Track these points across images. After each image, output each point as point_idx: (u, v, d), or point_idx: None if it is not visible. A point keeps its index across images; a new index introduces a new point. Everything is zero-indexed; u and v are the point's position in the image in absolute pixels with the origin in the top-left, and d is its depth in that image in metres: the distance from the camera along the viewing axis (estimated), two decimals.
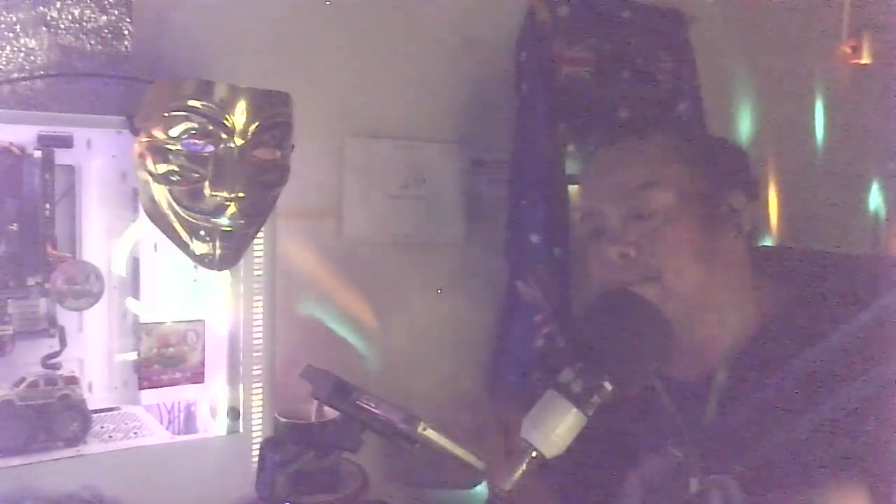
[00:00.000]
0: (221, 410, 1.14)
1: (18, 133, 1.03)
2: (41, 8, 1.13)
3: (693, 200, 1.04)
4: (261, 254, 1.12)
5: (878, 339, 0.91)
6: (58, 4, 1.14)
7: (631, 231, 1.04)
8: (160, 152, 0.98)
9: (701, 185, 1.05)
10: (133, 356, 1.11)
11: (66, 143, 1.05)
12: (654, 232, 1.02)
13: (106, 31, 1.18)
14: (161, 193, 0.99)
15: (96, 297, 1.03)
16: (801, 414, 0.91)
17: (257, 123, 0.99)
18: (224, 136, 0.98)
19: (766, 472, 0.93)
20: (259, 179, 1.01)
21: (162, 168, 0.98)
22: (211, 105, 0.97)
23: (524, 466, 0.81)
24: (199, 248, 1.01)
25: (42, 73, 1.13)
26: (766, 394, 0.95)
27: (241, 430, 1.12)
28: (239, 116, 0.98)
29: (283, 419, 1.11)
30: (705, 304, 1.02)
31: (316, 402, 0.92)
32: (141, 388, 1.10)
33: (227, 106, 0.97)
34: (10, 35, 1.12)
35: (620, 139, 1.13)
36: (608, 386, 0.83)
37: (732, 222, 1.06)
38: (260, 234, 1.09)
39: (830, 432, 0.89)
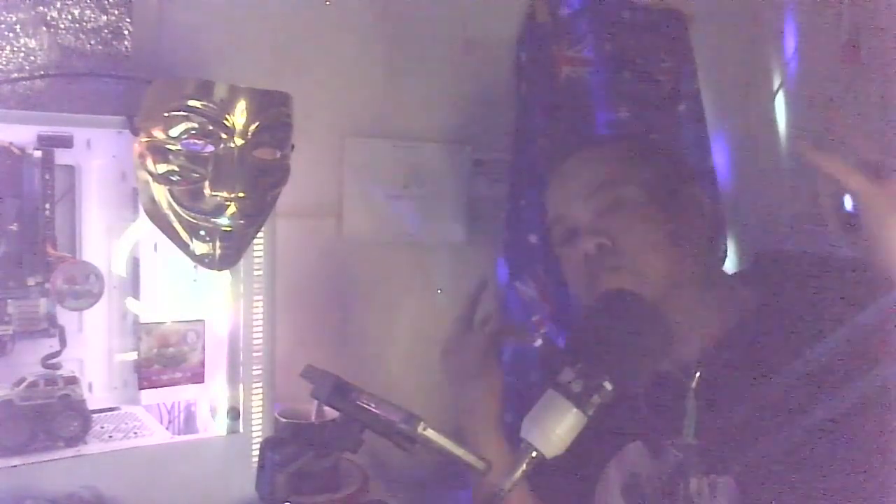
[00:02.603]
0: (221, 410, 1.14)
1: (18, 133, 1.02)
2: (41, 8, 1.13)
3: (658, 192, 1.09)
4: (261, 254, 1.12)
5: (870, 340, 0.91)
6: (58, 4, 1.14)
7: (603, 223, 1.08)
8: (160, 152, 0.98)
9: (659, 179, 1.10)
10: (133, 356, 1.11)
11: (66, 143, 1.05)
12: (626, 220, 1.07)
13: (106, 31, 1.18)
14: (161, 193, 0.99)
15: (96, 297, 1.03)
16: (783, 413, 0.92)
17: (257, 123, 0.99)
18: (224, 136, 0.98)
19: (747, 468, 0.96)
20: (259, 179, 1.01)
21: (162, 168, 0.98)
22: (211, 105, 0.97)
23: (524, 466, 0.81)
24: (199, 248, 1.01)
25: (42, 73, 1.13)
26: (742, 391, 0.97)
27: (241, 430, 1.12)
28: (239, 116, 0.98)
29: (283, 419, 1.12)
30: (679, 297, 1.05)
31: (316, 402, 0.92)
32: (141, 388, 1.10)
33: (227, 106, 0.97)
34: (10, 35, 1.12)
35: (579, 150, 1.18)
36: (608, 386, 0.83)
37: (694, 210, 1.11)
38: (260, 234, 1.09)
39: (823, 432, 0.89)
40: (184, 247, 1.02)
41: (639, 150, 1.16)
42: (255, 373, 1.13)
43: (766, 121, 1.83)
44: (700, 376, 1.03)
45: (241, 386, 1.12)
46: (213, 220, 0.99)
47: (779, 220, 1.86)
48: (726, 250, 1.55)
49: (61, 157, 1.07)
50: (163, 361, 1.10)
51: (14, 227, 1.03)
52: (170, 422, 1.18)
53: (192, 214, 0.99)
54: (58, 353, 1.06)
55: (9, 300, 1.02)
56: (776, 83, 1.83)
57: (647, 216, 1.08)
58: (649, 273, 1.05)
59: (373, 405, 0.87)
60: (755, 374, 0.96)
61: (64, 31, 1.15)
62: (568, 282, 1.17)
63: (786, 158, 1.87)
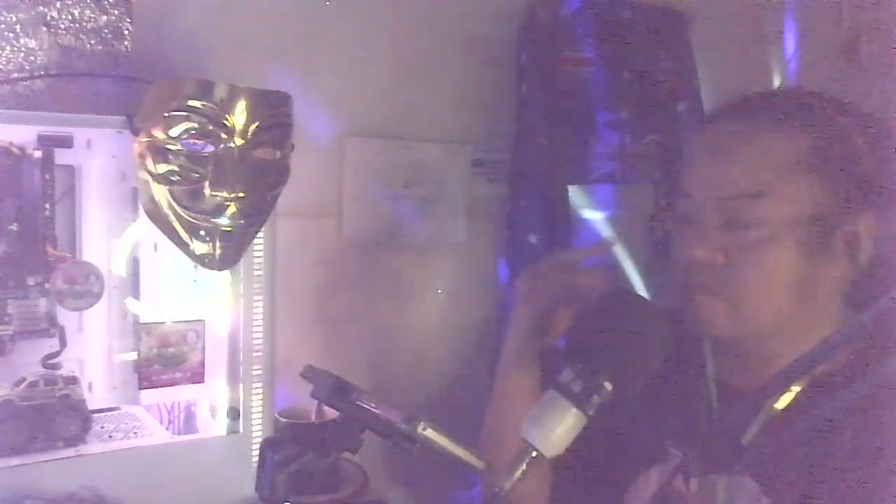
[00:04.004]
0: (221, 410, 1.14)
1: (18, 133, 1.02)
2: (41, 8, 1.13)
3: (807, 221, 0.87)
4: (261, 254, 1.12)
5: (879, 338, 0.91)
6: (58, 4, 1.14)
7: (726, 236, 0.89)
8: (160, 152, 0.98)
9: (823, 205, 0.87)
10: (133, 356, 1.11)
11: (66, 143, 1.05)
12: (752, 247, 0.88)
13: (106, 31, 1.18)
14: (161, 193, 0.99)
15: (96, 297, 1.03)
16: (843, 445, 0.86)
17: (257, 123, 0.99)
18: (224, 136, 0.98)
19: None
20: (259, 179, 1.01)
21: (162, 168, 0.98)
22: (211, 105, 0.97)
23: (524, 466, 0.81)
24: (199, 248, 1.01)
25: (42, 73, 1.13)
26: (830, 409, 0.82)
27: (241, 430, 1.12)
28: (239, 116, 0.98)
29: (283, 419, 1.11)
30: (785, 328, 0.90)
31: (316, 402, 0.92)
32: (141, 388, 1.10)
33: (227, 106, 0.97)
34: (10, 35, 1.12)
35: (747, 115, 0.92)
36: (608, 386, 0.83)
37: (849, 251, 0.88)
38: (260, 234, 1.09)
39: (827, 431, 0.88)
40: (184, 247, 1.02)
41: (815, 152, 0.88)
42: (255, 373, 1.13)
43: None
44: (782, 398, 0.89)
45: (241, 386, 1.12)
46: (213, 220, 0.99)
47: None
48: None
49: (61, 157, 1.07)
50: (163, 361, 1.10)
51: (14, 227, 1.03)
52: (170, 422, 1.18)
53: (192, 214, 0.99)
54: (58, 353, 1.06)
55: (9, 300, 1.02)
56: (776, 83, 1.83)
57: (780, 250, 0.87)
58: (749, 315, 0.90)
59: (373, 405, 0.86)
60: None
61: (64, 31, 1.15)
62: (671, 257, 0.98)
63: None
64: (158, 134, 0.98)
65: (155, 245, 1.14)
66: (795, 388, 0.89)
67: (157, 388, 1.10)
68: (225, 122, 0.97)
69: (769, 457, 0.91)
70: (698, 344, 1.03)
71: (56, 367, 1.05)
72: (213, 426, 1.15)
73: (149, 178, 0.99)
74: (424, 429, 0.84)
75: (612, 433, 1.01)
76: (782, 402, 0.90)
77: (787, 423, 0.91)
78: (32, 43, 1.13)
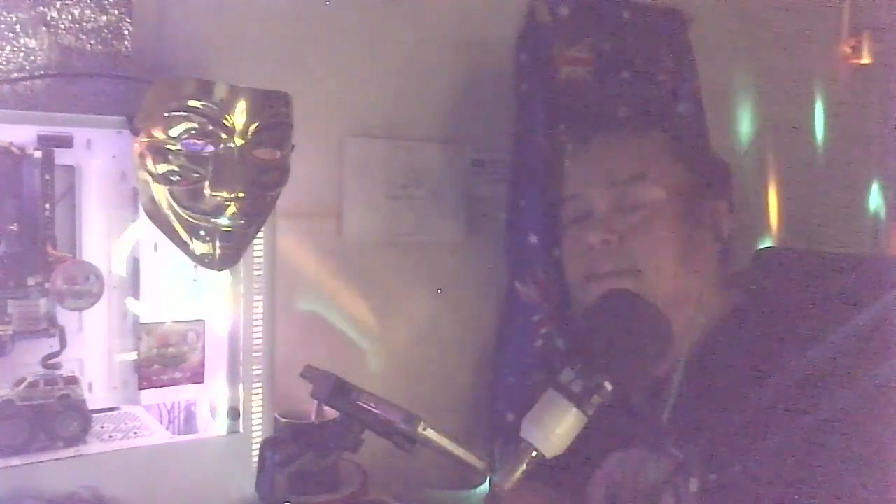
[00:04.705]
0: (221, 410, 1.14)
1: (18, 133, 1.03)
2: (41, 8, 1.13)
3: (680, 200, 1.06)
4: (261, 254, 1.12)
5: (875, 339, 0.91)
6: (58, 4, 1.14)
7: (616, 220, 1.06)
8: (160, 152, 0.98)
9: (689, 187, 1.07)
10: (133, 356, 1.11)
11: (66, 143, 1.05)
12: (640, 224, 1.05)
13: (106, 31, 1.18)
14: (161, 193, 0.99)
15: (96, 297, 1.03)
16: (776, 413, 0.92)
17: (257, 123, 0.99)
18: (224, 136, 0.98)
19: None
20: (259, 179, 1.01)
21: (162, 168, 0.98)
22: (211, 105, 0.97)
23: (524, 466, 0.81)
24: (199, 248, 1.01)
25: (42, 73, 1.13)
26: (716, 390, 0.98)
27: (241, 430, 1.12)
28: (239, 116, 0.98)
29: (283, 419, 1.12)
30: (678, 302, 1.03)
31: (316, 402, 0.92)
32: (141, 388, 1.10)
33: (227, 106, 0.97)
34: (10, 35, 1.12)
35: (617, 131, 1.15)
36: (608, 386, 0.83)
37: (713, 228, 1.09)
38: (260, 234, 1.09)
39: (823, 432, 0.89)
40: (184, 247, 1.02)
41: (675, 146, 1.12)
42: (255, 373, 1.13)
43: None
44: (686, 373, 1.03)
45: (241, 386, 1.12)
46: (213, 220, 0.99)
47: (779, 220, 1.86)
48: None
49: (61, 157, 1.07)
50: (163, 361, 1.10)
51: (14, 227, 1.03)
52: (170, 422, 1.18)
53: (192, 214, 0.99)
54: (58, 353, 1.06)
55: (9, 300, 1.02)
56: (776, 83, 1.83)
57: (665, 222, 1.05)
58: (652, 281, 1.03)
59: (373, 405, 0.87)
60: (742, 373, 0.96)
61: (64, 31, 1.15)
62: (565, 262, 1.15)
63: (786, 158, 1.87)
64: (158, 134, 0.98)
65: (155, 245, 1.14)
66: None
67: (157, 388, 1.10)
68: (225, 122, 0.97)
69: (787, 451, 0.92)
70: None
71: (56, 367, 1.05)
72: (213, 426, 1.15)
73: (149, 178, 0.99)
74: (424, 429, 0.84)
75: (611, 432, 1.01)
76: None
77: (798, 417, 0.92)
78: (32, 43, 1.13)
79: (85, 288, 1.02)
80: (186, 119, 0.97)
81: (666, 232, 1.05)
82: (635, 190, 1.06)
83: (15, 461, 0.98)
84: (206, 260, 1.02)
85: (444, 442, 0.85)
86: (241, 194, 0.98)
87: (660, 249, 1.04)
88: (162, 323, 1.10)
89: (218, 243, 1.01)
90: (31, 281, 1.03)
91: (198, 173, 0.98)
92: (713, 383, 0.99)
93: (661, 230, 1.05)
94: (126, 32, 1.19)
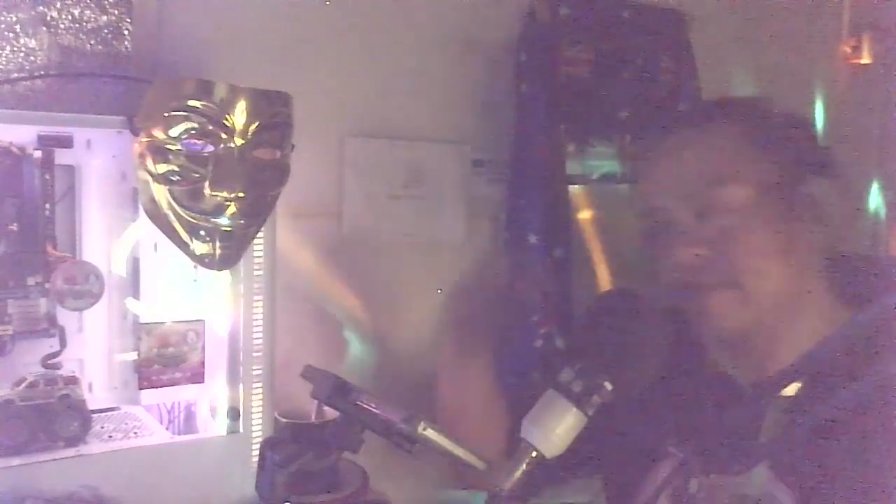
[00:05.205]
0: (221, 410, 1.14)
1: (18, 133, 1.02)
2: (41, 8, 1.13)
3: (768, 193, 0.94)
4: (261, 254, 1.12)
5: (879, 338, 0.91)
6: (58, 4, 1.14)
7: (703, 229, 0.95)
8: (160, 152, 0.98)
9: (776, 177, 0.95)
10: (133, 356, 1.11)
11: (66, 143, 1.05)
12: (730, 231, 0.93)
13: (106, 31, 1.18)
14: (161, 193, 0.99)
15: (96, 297, 1.03)
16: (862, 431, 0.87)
17: (257, 123, 0.99)
18: (224, 136, 0.98)
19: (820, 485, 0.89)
20: (259, 179, 1.01)
21: (162, 168, 0.98)
22: (211, 105, 0.97)
23: (524, 466, 0.81)
24: (199, 248, 1.01)
25: (42, 73, 1.13)
26: (830, 409, 0.88)
27: (241, 430, 1.12)
28: (239, 116, 0.98)
29: (283, 419, 1.11)
30: (785, 311, 0.94)
31: (316, 402, 0.92)
32: (141, 388, 1.10)
33: (227, 106, 0.97)
34: (10, 35, 1.12)
35: (680, 129, 1.03)
36: (608, 386, 0.83)
37: (812, 214, 0.95)
38: (260, 234, 1.09)
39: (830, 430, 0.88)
40: (184, 247, 1.02)
41: (752, 136, 0.97)
42: (255, 373, 1.13)
43: None
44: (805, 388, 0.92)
45: (241, 386, 1.12)
46: (213, 220, 0.99)
47: None
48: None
49: (61, 157, 1.06)
50: (163, 361, 1.10)
51: (14, 227, 1.03)
52: (170, 422, 1.18)
53: (192, 214, 0.99)
54: (58, 353, 1.06)
55: (9, 300, 1.02)
56: (776, 83, 1.83)
57: (758, 223, 0.93)
58: (756, 290, 0.93)
59: (373, 405, 0.87)
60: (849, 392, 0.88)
61: (64, 31, 1.15)
62: (659, 271, 1.01)
63: None
64: (158, 134, 0.98)
65: (155, 245, 1.14)
66: (800, 382, 0.92)
67: (157, 388, 1.10)
68: (225, 122, 0.97)
69: (788, 450, 0.90)
70: (699, 343, 1.03)
71: (56, 367, 1.05)
72: (213, 426, 1.15)
73: (149, 178, 0.99)
74: (424, 429, 0.84)
75: (619, 433, 1.01)
76: (792, 393, 0.92)
77: (799, 416, 0.91)
78: (32, 43, 1.13)
79: (85, 288, 1.02)
80: (186, 119, 0.97)
81: (763, 236, 0.93)
82: (718, 195, 0.94)
83: (15, 461, 0.98)
84: (206, 260, 1.02)
85: (444, 442, 0.85)
86: (241, 194, 0.98)
87: (759, 255, 0.93)
88: (162, 323, 1.10)
89: (218, 243, 1.01)
90: (31, 281, 1.03)
91: (198, 173, 0.98)
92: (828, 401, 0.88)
93: (755, 233, 0.93)
94: (126, 32, 1.19)
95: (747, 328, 0.95)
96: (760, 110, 1.02)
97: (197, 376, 1.12)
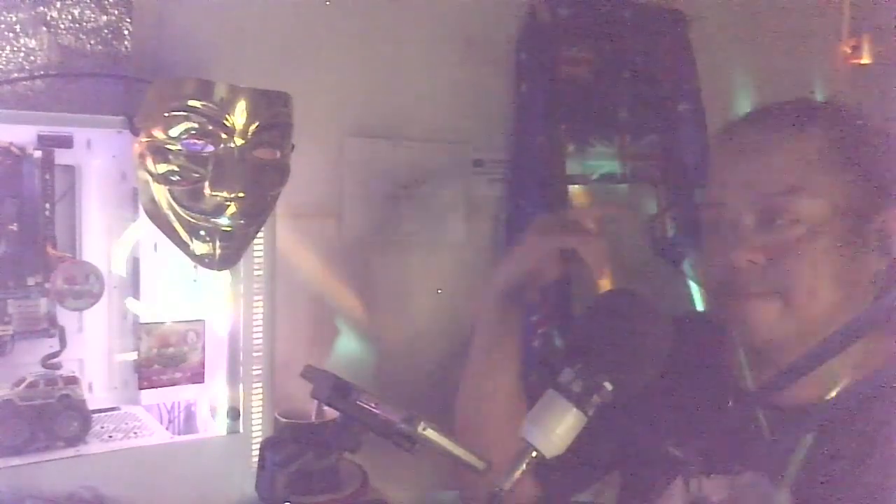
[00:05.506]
0: (221, 410, 1.14)
1: (18, 133, 1.02)
2: (41, 8, 1.13)
3: (844, 217, 0.90)
4: (261, 254, 1.12)
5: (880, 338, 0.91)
6: (58, 4, 1.14)
7: (765, 237, 0.91)
8: (160, 152, 0.98)
9: (853, 198, 0.91)
10: (133, 356, 1.11)
11: (66, 143, 1.05)
12: (793, 243, 0.90)
13: (106, 31, 1.18)
14: (161, 193, 0.99)
15: (96, 297, 1.03)
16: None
17: (257, 123, 0.99)
18: (224, 136, 0.98)
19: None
20: (259, 179, 1.01)
21: (162, 168, 0.98)
22: (211, 105, 0.97)
23: (524, 466, 0.81)
24: (199, 248, 1.01)
25: (42, 73, 1.13)
26: (867, 432, 0.87)
27: (241, 430, 1.12)
28: (239, 116, 0.98)
29: (283, 419, 1.12)
30: (825, 331, 0.87)
31: (316, 402, 0.92)
32: (141, 388, 1.10)
33: (227, 106, 0.97)
34: (10, 35, 1.12)
35: (770, 122, 0.97)
36: (608, 386, 0.83)
37: (879, 244, 0.92)
38: (260, 234, 1.09)
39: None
40: (184, 247, 1.02)
41: (841, 148, 0.92)
42: (255, 373, 1.13)
43: None
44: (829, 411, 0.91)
45: (241, 386, 1.12)
46: (213, 220, 0.99)
47: None
48: None
49: (61, 157, 1.06)
50: (163, 361, 1.10)
51: (14, 227, 1.03)
52: (170, 422, 1.18)
53: (192, 214, 0.99)
54: (58, 353, 1.06)
55: (9, 300, 1.02)
56: (776, 83, 1.83)
57: (824, 243, 0.89)
58: (801, 306, 0.90)
59: (373, 405, 0.86)
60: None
61: (64, 31, 1.15)
62: (702, 267, 1.02)
63: None
64: (158, 134, 0.98)
65: (155, 245, 1.14)
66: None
67: (157, 388, 1.10)
68: (225, 122, 0.97)
69: (787, 452, 0.89)
70: (731, 354, 1.01)
71: (56, 367, 1.05)
72: (213, 426, 1.15)
73: (149, 178, 0.99)
74: (424, 429, 0.84)
75: (619, 433, 1.00)
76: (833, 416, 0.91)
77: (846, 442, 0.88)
78: (32, 43, 1.13)
79: (85, 288, 1.02)
80: (186, 119, 0.97)
81: (824, 255, 0.89)
82: (791, 204, 0.90)
83: (15, 461, 0.98)
84: (206, 260, 1.02)
85: (444, 442, 0.85)
86: (241, 194, 0.98)
87: (815, 274, 0.90)
88: (162, 323, 1.10)
89: (218, 243, 1.01)
90: (31, 281, 1.03)
91: (198, 173, 0.98)
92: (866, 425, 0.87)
93: (819, 253, 0.89)
94: (126, 32, 1.19)
95: (782, 342, 0.92)
96: (854, 123, 0.97)
97: (197, 376, 1.12)
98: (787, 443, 0.92)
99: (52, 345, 1.06)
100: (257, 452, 1.01)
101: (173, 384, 1.11)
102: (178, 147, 0.97)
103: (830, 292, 0.90)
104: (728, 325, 0.96)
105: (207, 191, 0.98)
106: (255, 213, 1.02)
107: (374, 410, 0.86)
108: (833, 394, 0.92)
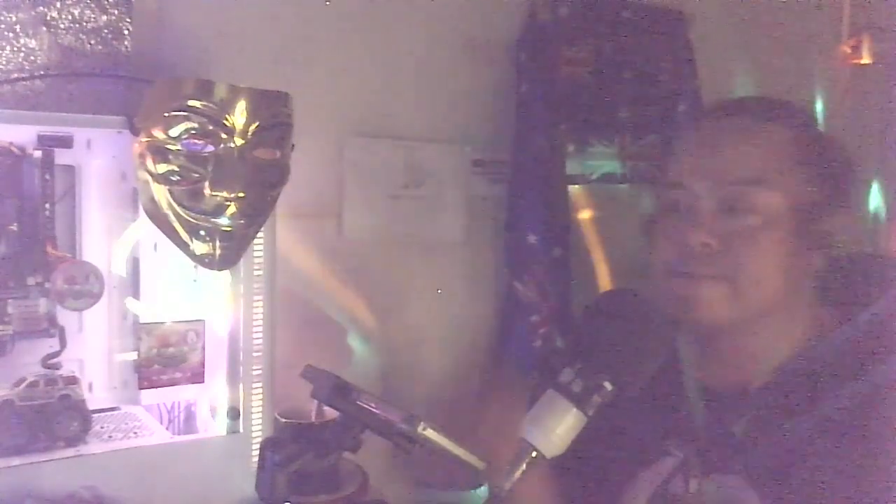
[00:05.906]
0: (221, 410, 1.14)
1: (18, 133, 1.02)
2: (41, 8, 1.13)
3: (794, 211, 0.93)
4: (261, 254, 1.12)
5: (879, 338, 0.91)
6: (58, 4, 1.14)
7: (721, 222, 0.94)
8: (160, 152, 0.98)
9: (806, 197, 0.94)
10: (133, 356, 1.11)
11: (66, 143, 1.05)
12: (747, 233, 0.93)
13: (106, 31, 1.18)
14: (161, 193, 0.99)
15: (96, 297, 1.03)
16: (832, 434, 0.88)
17: (257, 123, 0.99)
18: (224, 136, 0.98)
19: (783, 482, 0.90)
20: (259, 179, 1.01)
21: (162, 168, 0.98)
22: (211, 105, 0.97)
23: (524, 466, 0.81)
24: (199, 248, 1.01)
25: (42, 73, 1.13)
26: (803, 413, 0.90)
27: (241, 430, 1.12)
28: (239, 116, 0.98)
29: (283, 419, 1.11)
30: (768, 318, 0.95)
31: (316, 402, 0.92)
32: (141, 388, 1.10)
33: (227, 106, 0.97)
34: (10, 35, 1.12)
35: (740, 113, 1.00)
36: (608, 386, 0.83)
37: (823, 243, 0.96)
38: (260, 234, 1.09)
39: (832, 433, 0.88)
40: (184, 247, 1.02)
41: (802, 145, 0.96)
42: (255, 373, 1.13)
43: None
44: (778, 385, 0.94)
45: (241, 386, 1.12)
46: (213, 220, 0.99)
47: None
48: None
49: (61, 157, 1.06)
50: (163, 361, 1.10)
51: (14, 227, 1.03)
52: (170, 422, 1.18)
53: (192, 214, 0.99)
54: (58, 353, 1.06)
55: (9, 300, 1.02)
56: (776, 83, 1.83)
57: (775, 236, 0.93)
58: (745, 291, 0.93)
59: (373, 405, 0.87)
60: (813, 396, 0.90)
61: (64, 31, 1.15)
62: (651, 247, 1.02)
63: None
64: (158, 134, 0.98)
65: (155, 245, 1.14)
66: (783, 386, 0.94)
67: (157, 388, 1.10)
68: (225, 122, 0.97)
69: (765, 457, 0.91)
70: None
71: (56, 367, 1.05)
72: (213, 426, 1.15)
73: (149, 178, 0.99)
74: (424, 429, 0.84)
75: (611, 432, 1.01)
76: (774, 400, 0.94)
77: (783, 422, 0.91)
78: (32, 43, 1.13)
79: (85, 288, 1.02)
80: (186, 119, 0.97)
81: (774, 247, 0.93)
82: (750, 195, 0.93)
83: (15, 461, 0.98)
84: (206, 260, 1.02)
85: (444, 442, 0.85)
86: (241, 194, 0.98)
87: (763, 263, 0.93)
88: (162, 323, 1.10)
89: (218, 243, 1.01)
90: (31, 281, 1.03)
91: (198, 173, 0.98)
92: (815, 396, 0.90)
93: (770, 244, 0.93)
94: (126, 32, 1.19)
95: (724, 325, 0.95)
96: (814, 127, 1.02)
97: (197, 376, 1.12)
98: (726, 427, 0.95)
99: (52, 345, 1.06)
100: (257, 452, 1.01)
101: (173, 384, 1.11)
102: (178, 147, 0.97)
103: (774, 282, 0.94)
104: (673, 304, 0.97)
105: (207, 191, 0.98)
106: (255, 213, 1.02)
107: (374, 410, 0.86)
108: (769, 374, 0.95)
